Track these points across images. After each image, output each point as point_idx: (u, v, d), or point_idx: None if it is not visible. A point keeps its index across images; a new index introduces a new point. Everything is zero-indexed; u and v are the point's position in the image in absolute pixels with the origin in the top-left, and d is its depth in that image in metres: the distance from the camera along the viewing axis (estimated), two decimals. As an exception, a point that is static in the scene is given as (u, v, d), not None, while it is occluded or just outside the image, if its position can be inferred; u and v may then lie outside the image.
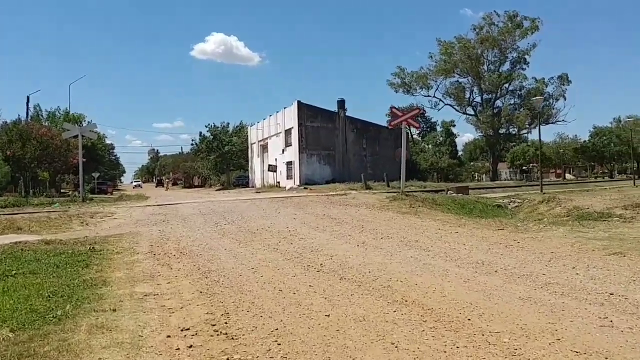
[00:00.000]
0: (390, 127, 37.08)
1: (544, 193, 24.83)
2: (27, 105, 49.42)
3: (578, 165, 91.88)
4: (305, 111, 47.31)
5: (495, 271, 7.78)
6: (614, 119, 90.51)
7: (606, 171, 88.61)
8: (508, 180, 78.35)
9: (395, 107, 25.21)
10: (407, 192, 22.28)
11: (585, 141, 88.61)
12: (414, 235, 11.47)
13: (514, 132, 70.11)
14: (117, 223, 15.83)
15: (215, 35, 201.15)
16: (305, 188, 35.89)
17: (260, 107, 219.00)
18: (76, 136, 30.03)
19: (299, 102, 47.19)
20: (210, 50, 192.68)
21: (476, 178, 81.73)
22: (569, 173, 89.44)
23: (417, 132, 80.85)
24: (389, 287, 6.80)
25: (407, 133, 52.29)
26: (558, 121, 64.99)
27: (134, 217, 17.14)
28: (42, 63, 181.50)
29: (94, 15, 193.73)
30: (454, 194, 26.03)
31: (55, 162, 40.86)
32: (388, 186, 32.52)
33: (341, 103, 50.13)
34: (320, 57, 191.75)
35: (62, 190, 50.39)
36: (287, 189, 39.81)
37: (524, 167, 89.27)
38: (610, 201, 17.87)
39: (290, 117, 48.41)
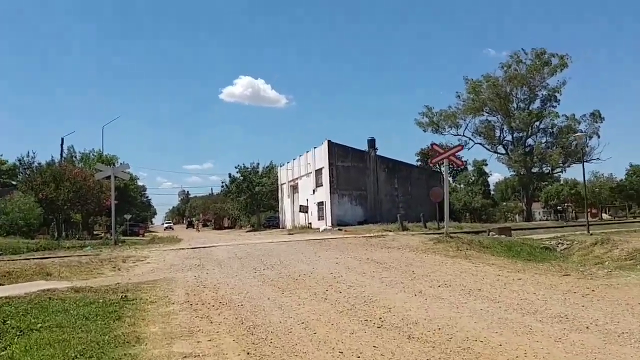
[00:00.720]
0: (431, 164, 36.29)
1: (591, 234, 23.55)
2: (62, 147, 49.85)
3: (615, 204, 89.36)
4: (336, 150, 46.87)
5: (587, 327, 6.71)
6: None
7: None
8: (543, 220, 76.45)
9: (436, 144, 24.43)
10: (451, 233, 21.18)
11: (621, 180, 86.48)
12: (473, 283, 10.41)
13: (547, 171, 68.36)
14: (151, 268, 15.06)
15: (243, 79, 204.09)
16: (339, 229, 34.92)
17: (289, 148, 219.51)
18: (109, 177, 29.67)
19: (329, 141, 46.77)
20: (238, 93, 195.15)
21: (509, 218, 79.89)
22: (605, 213, 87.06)
23: (450, 170, 79.52)
24: (469, 350, 5.77)
25: (439, 172, 51.68)
26: (592, 159, 63.11)
27: (168, 262, 16.37)
28: (75, 103, 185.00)
29: (128, 61, 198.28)
30: (497, 235, 24.84)
31: (88, 203, 40.62)
32: (425, 227, 31.46)
33: (371, 142, 49.55)
34: (347, 98, 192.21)
35: (94, 232, 50.24)
36: (320, 230, 38.84)
37: (558, 207, 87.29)
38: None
39: (320, 157, 47.94)
